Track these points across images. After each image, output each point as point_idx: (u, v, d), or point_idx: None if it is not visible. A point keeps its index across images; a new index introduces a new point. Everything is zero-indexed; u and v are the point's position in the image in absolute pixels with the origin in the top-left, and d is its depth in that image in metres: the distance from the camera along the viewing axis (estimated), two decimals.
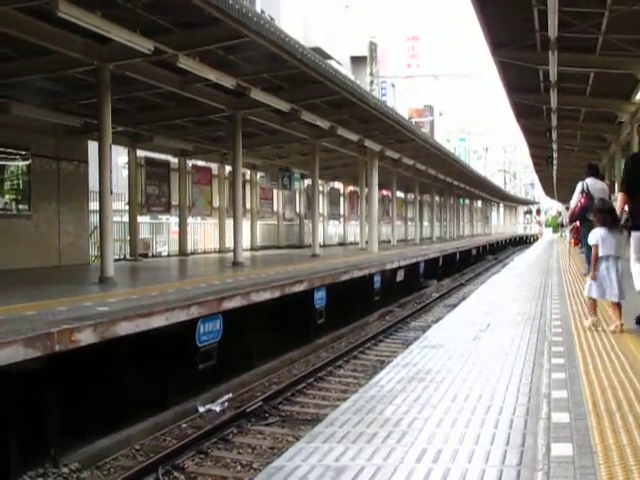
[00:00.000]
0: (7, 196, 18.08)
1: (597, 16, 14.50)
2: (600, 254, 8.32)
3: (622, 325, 8.24)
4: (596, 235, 8.45)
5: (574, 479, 3.72)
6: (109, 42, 12.95)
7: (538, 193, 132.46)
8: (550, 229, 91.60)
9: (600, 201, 10.08)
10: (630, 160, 9.05)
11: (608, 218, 8.47)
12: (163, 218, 28.83)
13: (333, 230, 43.47)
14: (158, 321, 9.76)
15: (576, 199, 15.36)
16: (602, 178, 15.60)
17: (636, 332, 8.05)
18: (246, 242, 28.05)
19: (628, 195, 8.60)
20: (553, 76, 17.51)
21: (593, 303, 8.73)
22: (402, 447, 4.58)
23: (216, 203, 29.04)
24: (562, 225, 56.20)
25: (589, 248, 10.52)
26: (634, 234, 8.66)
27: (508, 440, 4.58)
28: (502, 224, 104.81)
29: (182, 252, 26.40)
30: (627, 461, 3.87)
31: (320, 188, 35.21)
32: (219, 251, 28.78)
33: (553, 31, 14.07)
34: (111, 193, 14.56)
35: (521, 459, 4.24)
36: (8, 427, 8.09)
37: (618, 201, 8.87)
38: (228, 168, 27.62)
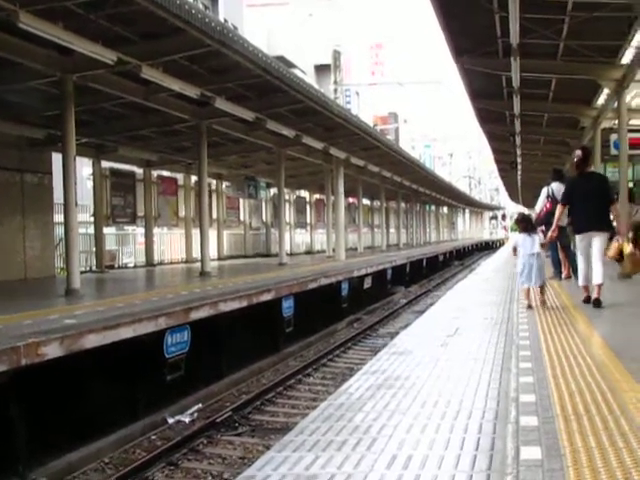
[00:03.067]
0: None
1: (558, 22, 14.66)
2: (523, 252, 11.00)
3: (543, 301, 11.23)
4: (516, 239, 11.61)
5: None
6: (72, 53, 12.88)
7: (503, 198, 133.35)
8: (516, 233, 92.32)
9: (520, 214, 13.39)
10: (572, 180, 11.72)
11: (527, 226, 11.31)
12: (129, 229, 28.68)
13: (300, 238, 43.46)
14: (125, 333, 9.70)
15: (542, 204, 15.51)
16: None
17: (603, 335, 8.13)
18: (213, 252, 27.96)
19: (571, 207, 11.02)
20: (516, 82, 17.67)
21: (526, 290, 11.29)
22: (372, 454, 4.59)
23: (182, 213, 28.95)
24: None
25: (554, 251, 12.59)
26: (577, 237, 11.08)
27: (477, 445, 4.61)
28: (468, 230, 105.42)
29: (149, 263, 26.27)
30: (595, 463, 3.90)
31: (286, 197, 35.14)
32: (186, 261, 28.68)
33: (515, 38, 14.19)
34: (76, 205, 14.47)
35: (490, 463, 4.26)
36: None
37: (557, 211, 11.31)
38: (194, 178, 27.58)
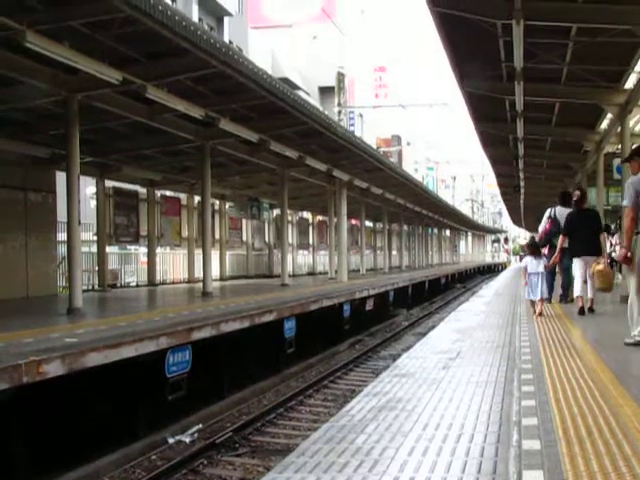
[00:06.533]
0: None
1: (561, 47, 14.73)
2: (529, 271, 13.36)
3: (541, 312, 13.38)
4: (525, 261, 13.98)
5: None
6: (77, 72, 12.92)
7: (506, 222, 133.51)
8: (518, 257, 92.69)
9: (530, 239, 16.65)
10: (570, 215, 14.01)
11: (534, 250, 13.70)
12: (132, 248, 28.71)
13: (302, 260, 43.46)
14: (127, 352, 9.68)
15: (543, 225, 15.56)
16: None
17: (605, 359, 8.12)
18: (215, 272, 27.92)
19: (569, 236, 13.71)
20: (519, 106, 17.72)
21: (531, 302, 13.79)
22: (374, 476, 4.57)
23: (185, 233, 28.93)
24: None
25: (550, 276, 15.62)
26: (574, 260, 13.52)
27: (480, 468, 4.58)
28: (470, 253, 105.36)
29: (151, 282, 26.25)
30: None
31: (289, 218, 35.18)
32: (188, 281, 28.64)
33: (519, 62, 14.25)
34: (79, 224, 14.48)
35: None
36: None
37: (560, 240, 14.07)
38: (197, 198, 27.62)
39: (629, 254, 8.74)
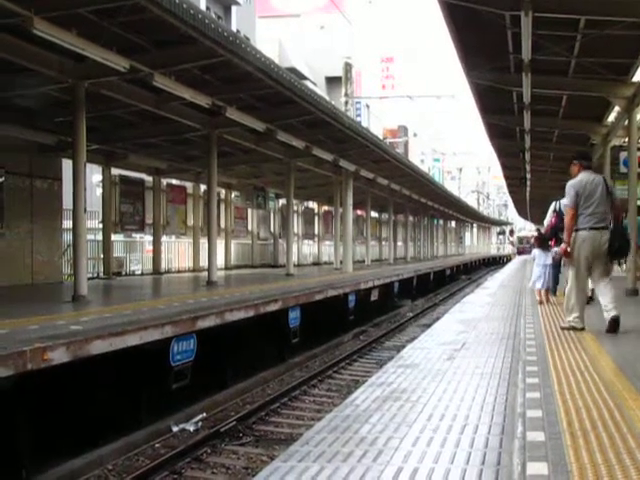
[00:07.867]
0: None
1: (569, 39, 14.67)
2: (537, 263, 14.90)
3: (548, 300, 14.83)
4: (534, 253, 15.57)
5: None
6: (84, 60, 12.90)
7: (511, 214, 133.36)
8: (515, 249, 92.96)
9: (538, 233, 17.41)
10: None
11: (542, 243, 15.00)
12: (137, 236, 28.69)
13: (307, 250, 43.40)
14: (132, 340, 9.70)
15: (549, 218, 15.55)
16: None
17: (610, 352, 8.11)
18: (220, 261, 27.92)
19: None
20: (526, 98, 17.66)
21: (538, 291, 14.99)
22: (378, 466, 4.58)
23: (190, 222, 28.93)
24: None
25: (557, 267, 16.12)
26: None
27: (484, 459, 4.59)
28: (475, 244, 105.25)
29: (156, 271, 26.25)
30: None
31: (294, 208, 35.12)
32: (193, 270, 28.65)
33: (526, 54, 14.20)
34: (85, 211, 14.48)
35: (497, 478, 4.24)
36: None
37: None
38: (203, 187, 27.61)
39: (568, 249, 9.87)
